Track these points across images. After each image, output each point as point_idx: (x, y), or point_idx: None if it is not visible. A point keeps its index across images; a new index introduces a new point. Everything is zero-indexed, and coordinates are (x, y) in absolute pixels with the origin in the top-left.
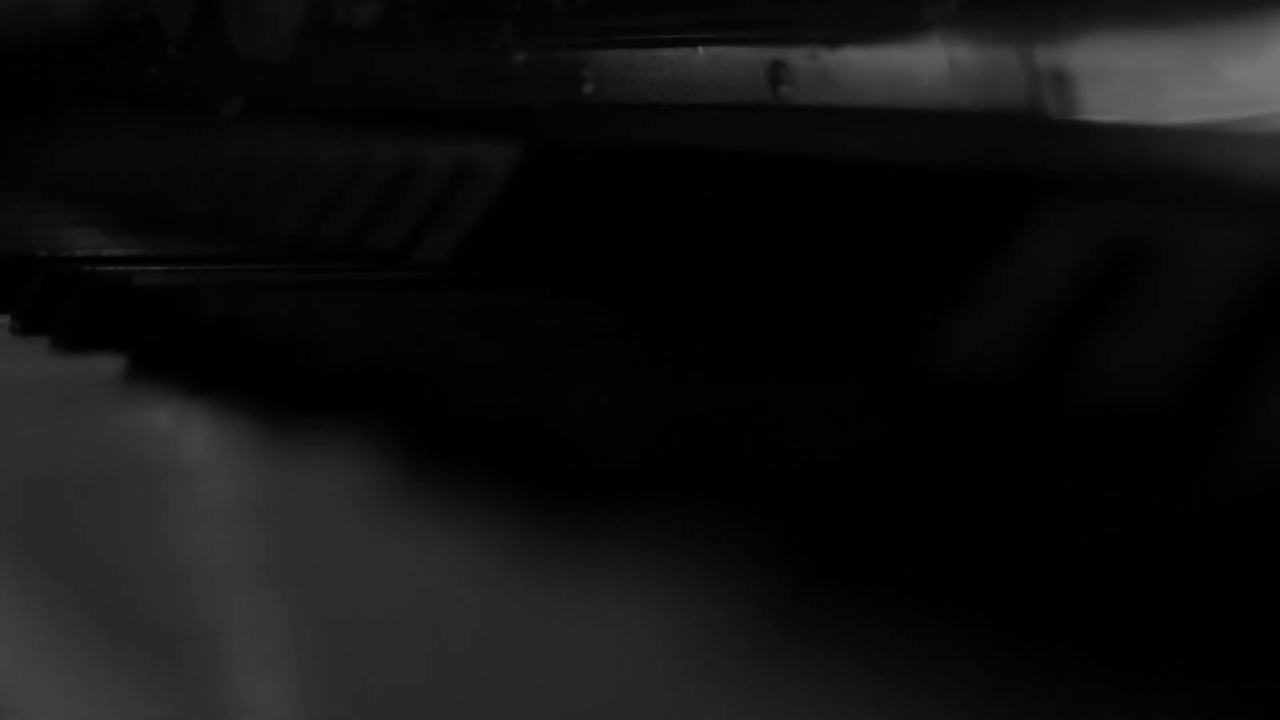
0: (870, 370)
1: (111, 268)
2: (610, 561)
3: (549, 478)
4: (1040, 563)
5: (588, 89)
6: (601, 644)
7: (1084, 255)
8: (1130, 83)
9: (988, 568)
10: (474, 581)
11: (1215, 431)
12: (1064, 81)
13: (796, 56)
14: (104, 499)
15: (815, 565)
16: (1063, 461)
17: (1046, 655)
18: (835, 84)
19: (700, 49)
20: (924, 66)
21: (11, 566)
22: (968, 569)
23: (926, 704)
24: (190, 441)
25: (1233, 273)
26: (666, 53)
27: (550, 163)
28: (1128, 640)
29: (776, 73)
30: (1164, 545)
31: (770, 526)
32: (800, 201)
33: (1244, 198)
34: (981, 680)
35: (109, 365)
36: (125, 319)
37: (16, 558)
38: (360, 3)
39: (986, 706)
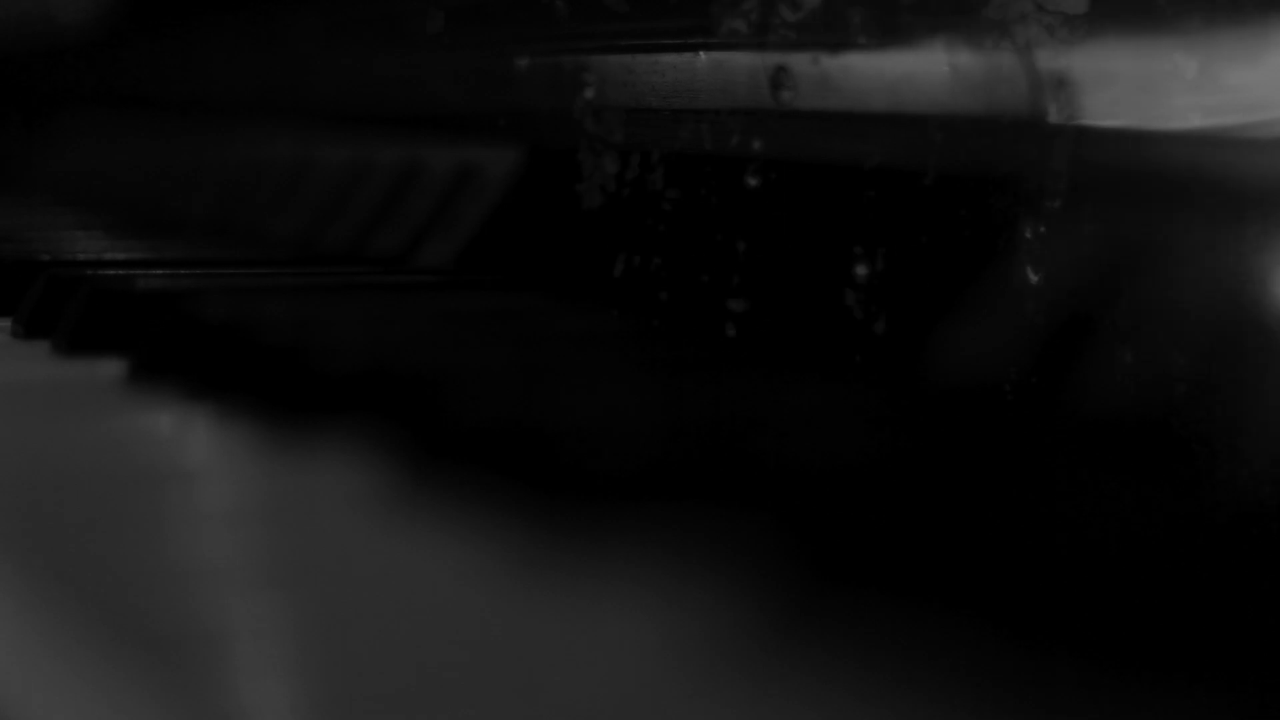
0: (871, 374)
1: (114, 271)
2: (612, 564)
3: (551, 480)
4: (1040, 565)
5: (589, 93)
6: (604, 646)
7: (1084, 260)
8: (1131, 88)
9: (988, 570)
10: (476, 584)
11: (1215, 436)
12: (1065, 87)
13: (798, 61)
14: (106, 502)
15: (816, 568)
16: (1063, 465)
17: (1046, 656)
18: (837, 89)
19: (702, 54)
20: (926, 72)
21: (14, 569)
22: (968, 571)
23: (927, 704)
24: (192, 445)
25: (1233, 277)
26: (668, 57)
27: (552, 166)
28: (1128, 641)
29: (778, 77)
30: (1164, 548)
31: (771, 529)
32: (802, 206)
33: (1245, 202)
34: (981, 681)
35: (111, 369)
36: (127, 322)
37: (19, 560)
38: None
39: (987, 707)
